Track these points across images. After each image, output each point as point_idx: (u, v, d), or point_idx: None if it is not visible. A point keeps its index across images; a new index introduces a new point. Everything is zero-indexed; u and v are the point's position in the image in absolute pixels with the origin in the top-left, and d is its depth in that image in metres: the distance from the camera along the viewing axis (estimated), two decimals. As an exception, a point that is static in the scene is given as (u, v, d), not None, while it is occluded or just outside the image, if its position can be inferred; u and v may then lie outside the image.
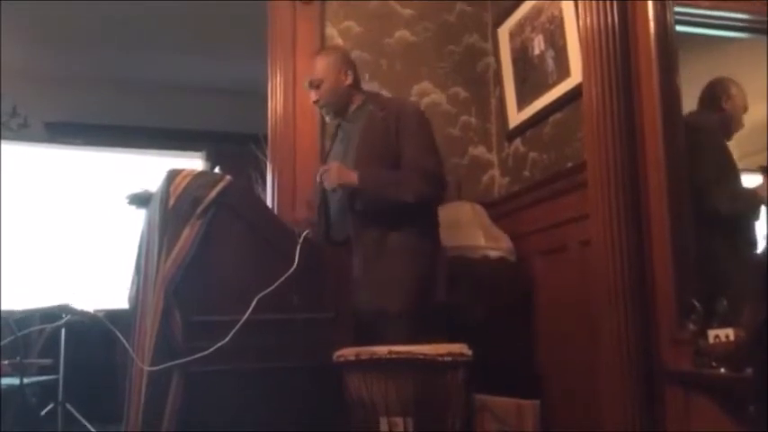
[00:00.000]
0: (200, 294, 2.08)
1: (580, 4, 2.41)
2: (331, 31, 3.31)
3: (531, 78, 3.06)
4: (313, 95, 2.64)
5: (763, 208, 2.25)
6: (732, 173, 2.30)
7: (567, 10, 2.75)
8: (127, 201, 2.52)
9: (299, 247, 2.17)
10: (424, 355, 1.95)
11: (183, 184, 2.12)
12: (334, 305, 2.27)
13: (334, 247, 2.53)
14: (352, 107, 2.64)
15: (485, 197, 3.32)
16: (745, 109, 2.33)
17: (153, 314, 2.03)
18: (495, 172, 3.43)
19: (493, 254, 2.89)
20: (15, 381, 3.02)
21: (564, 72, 2.79)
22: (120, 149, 5.17)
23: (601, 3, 2.30)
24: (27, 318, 3.62)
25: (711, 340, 1.83)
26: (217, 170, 2.44)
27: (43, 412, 3.57)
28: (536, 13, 3.00)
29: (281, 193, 3.14)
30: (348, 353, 2.02)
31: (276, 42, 3.29)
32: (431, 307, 2.41)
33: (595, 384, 2.33)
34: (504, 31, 3.30)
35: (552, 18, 2.87)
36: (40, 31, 4.99)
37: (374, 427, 1.98)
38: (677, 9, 2.23)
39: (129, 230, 2.93)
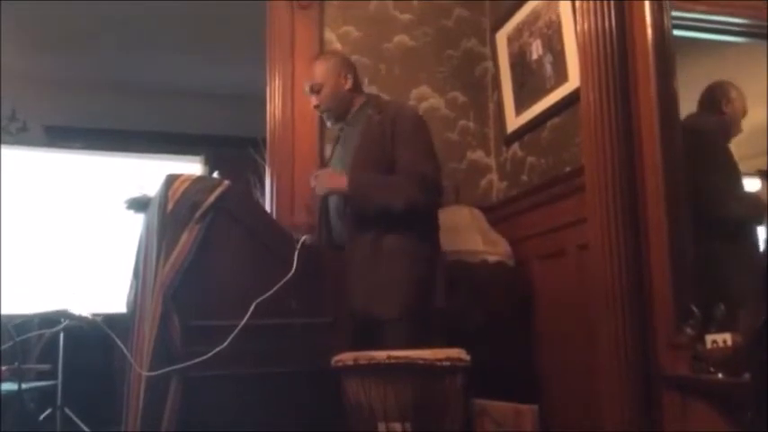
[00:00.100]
0: (198, 299, 2.08)
1: (578, 9, 2.42)
2: (330, 35, 3.32)
3: (529, 83, 3.06)
4: (313, 100, 2.63)
5: (765, 212, 2.26)
6: (735, 176, 2.30)
7: (565, 14, 2.76)
8: (125, 205, 2.52)
9: (297, 252, 2.17)
10: (423, 359, 1.95)
11: (182, 189, 2.13)
12: (333, 310, 2.27)
13: (335, 251, 2.52)
14: (353, 110, 2.63)
15: (483, 201, 3.32)
16: (745, 113, 2.33)
17: (151, 319, 2.03)
18: (494, 176, 3.43)
19: (491, 258, 2.89)
20: (14, 386, 3.02)
21: (562, 77, 2.79)
22: (118, 153, 5.17)
23: (598, 7, 2.30)
24: (25, 323, 3.62)
25: (709, 345, 1.83)
26: (215, 175, 2.44)
27: (41, 417, 3.56)
28: (534, 17, 3.01)
29: (279, 197, 3.14)
30: (346, 358, 2.02)
31: (275, 46, 3.29)
32: (429, 312, 2.39)
33: (594, 388, 2.33)
34: (502, 36, 3.31)
35: (550, 23, 2.88)
36: (40, 35, 5.00)
37: (372, 432, 1.98)
38: (674, 13, 2.23)
39: (127, 235, 2.93)
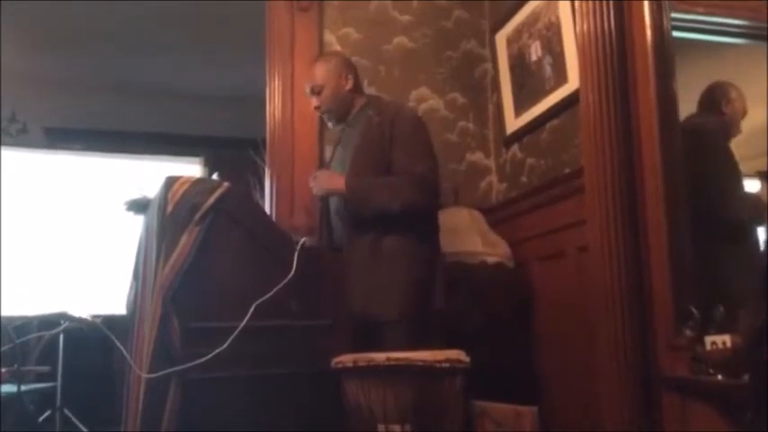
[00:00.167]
0: (198, 301, 2.08)
1: (577, 11, 2.42)
2: (329, 37, 3.32)
3: (529, 84, 3.06)
4: (314, 101, 2.63)
5: (765, 213, 2.26)
6: (735, 176, 2.30)
7: (564, 16, 2.76)
8: (125, 207, 2.52)
9: (296, 254, 2.17)
10: (422, 361, 1.95)
11: (181, 191, 2.13)
12: (333, 312, 2.27)
13: (336, 252, 2.52)
14: (354, 111, 2.62)
15: (482, 203, 3.32)
16: (744, 113, 2.34)
17: (151, 321, 2.03)
18: (493, 178, 3.44)
19: (490, 260, 2.89)
20: (14, 388, 3.02)
21: (561, 78, 2.79)
22: (118, 155, 5.18)
23: (598, 9, 2.31)
24: (25, 325, 3.62)
25: (708, 347, 1.83)
26: (215, 176, 2.44)
27: (41, 418, 3.57)
28: (533, 19, 3.01)
29: (279, 198, 3.14)
30: (346, 359, 2.02)
31: (274, 48, 3.29)
32: (429, 313, 2.39)
33: (594, 390, 2.33)
34: (501, 38, 3.31)
35: (549, 24, 2.88)
36: (39, 37, 5.00)
37: (372, 433, 1.98)
38: (674, 15, 2.23)
39: (127, 236, 2.93)
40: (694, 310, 1.92)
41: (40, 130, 5.58)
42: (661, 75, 2.19)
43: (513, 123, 3.22)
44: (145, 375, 1.99)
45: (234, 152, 4.35)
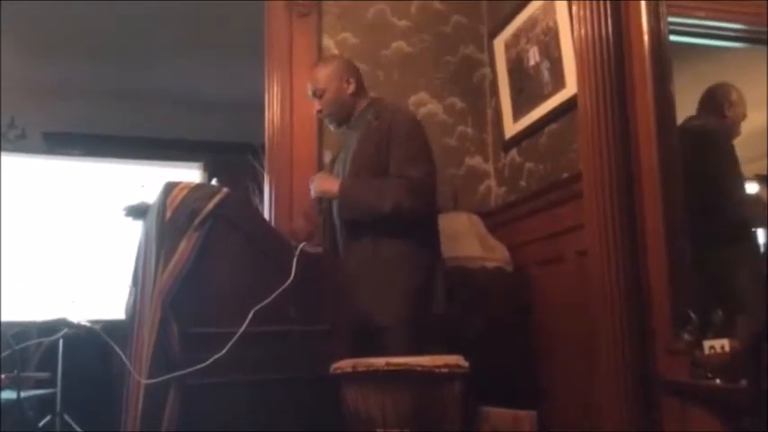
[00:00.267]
0: (197, 306, 2.09)
1: (574, 16, 2.43)
2: (328, 42, 3.33)
3: (527, 89, 3.07)
4: (316, 105, 2.62)
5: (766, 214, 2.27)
6: (738, 178, 2.31)
7: (562, 21, 2.77)
8: (124, 212, 2.53)
9: (295, 259, 2.17)
10: (421, 366, 1.95)
11: (180, 197, 2.13)
12: (331, 317, 2.27)
13: (338, 255, 2.52)
14: (355, 114, 2.61)
15: (481, 207, 3.33)
16: (744, 116, 2.34)
17: (150, 326, 2.03)
18: (492, 182, 3.44)
19: (490, 264, 2.89)
20: (13, 394, 3.02)
21: (559, 83, 2.80)
22: (117, 160, 5.17)
23: (595, 14, 2.32)
24: (24, 331, 3.61)
25: (707, 351, 1.83)
26: (214, 182, 2.45)
27: (41, 424, 3.56)
28: (531, 24, 3.02)
29: (278, 204, 3.14)
30: (345, 365, 2.02)
31: (273, 54, 3.30)
32: (428, 318, 2.38)
33: (594, 394, 2.33)
34: (499, 43, 3.32)
35: (547, 29, 2.89)
36: (38, 42, 5.00)
37: (371, 438, 1.98)
38: (672, 19, 2.24)
39: (127, 241, 2.93)
40: (692, 315, 1.92)
41: (39, 135, 5.58)
42: (658, 79, 2.19)
43: (511, 128, 3.23)
44: (144, 381, 1.99)
45: (233, 157, 4.35)
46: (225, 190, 2.19)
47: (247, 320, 2.05)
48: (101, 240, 4.46)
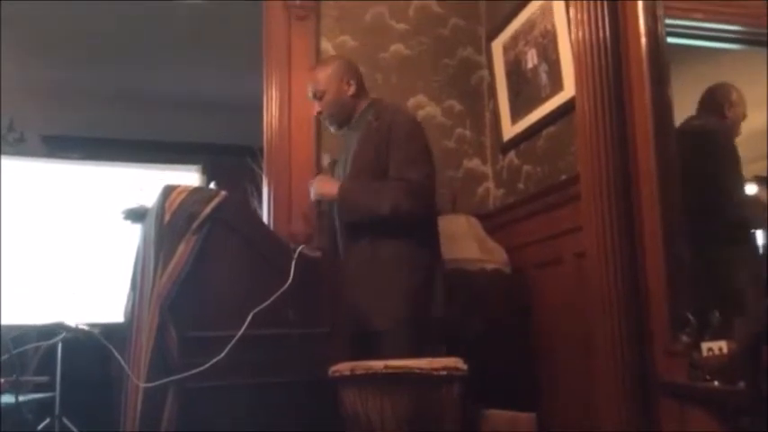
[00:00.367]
0: (195, 310, 2.08)
1: (572, 19, 2.43)
2: (326, 45, 3.34)
3: (525, 92, 3.08)
4: (316, 106, 2.61)
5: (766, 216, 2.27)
6: (739, 178, 2.31)
7: (560, 24, 2.77)
8: (123, 216, 2.53)
9: (294, 262, 2.17)
10: (420, 369, 1.95)
11: (179, 200, 2.13)
12: (330, 320, 2.27)
13: (338, 256, 2.52)
14: (356, 115, 2.60)
15: (480, 209, 3.33)
16: (744, 116, 2.35)
17: (148, 330, 2.03)
18: (490, 184, 3.44)
19: (488, 266, 2.89)
20: (12, 398, 3.02)
21: (557, 86, 2.80)
22: (116, 163, 5.18)
23: (593, 17, 2.32)
24: (23, 335, 3.62)
25: (705, 353, 1.84)
26: (212, 185, 2.45)
27: (40, 427, 3.56)
28: (529, 27, 3.02)
29: (276, 206, 3.15)
30: (343, 368, 2.02)
31: (271, 57, 3.30)
32: (428, 321, 2.37)
33: (593, 395, 2.34)
34: (497, 45, 3.32)
35: (545, 32, 2.89)
36: (37, 45, 5.00)
37: (370, 442, 1.98)
38: (670, 21, 2.24)
39: (125, 245, 2.93)
40: (690, 317, 1.92)
41: (38, 138, 5.58)
42: (656, 81, 2.20)
43: (509, 130, 3.23)
44: (142, 384, 1.99)
45: (232, 159, 4.36)
46: (223, 193, 2.19)
47: (246, 324, 2.05)
48: (99, 243, 4.46)
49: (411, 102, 3.38)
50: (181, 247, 2.08)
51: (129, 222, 2.53)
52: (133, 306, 2.38)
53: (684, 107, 2.33)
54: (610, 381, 2.17)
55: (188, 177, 5.03)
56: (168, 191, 2.15)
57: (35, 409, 3.68)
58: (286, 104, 3.24)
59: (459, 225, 3.03)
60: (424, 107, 3.40)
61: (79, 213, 4.68)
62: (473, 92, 3.51)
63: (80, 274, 4.47)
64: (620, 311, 2.17)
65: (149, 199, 2.36)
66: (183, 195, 2.14)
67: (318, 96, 2.59)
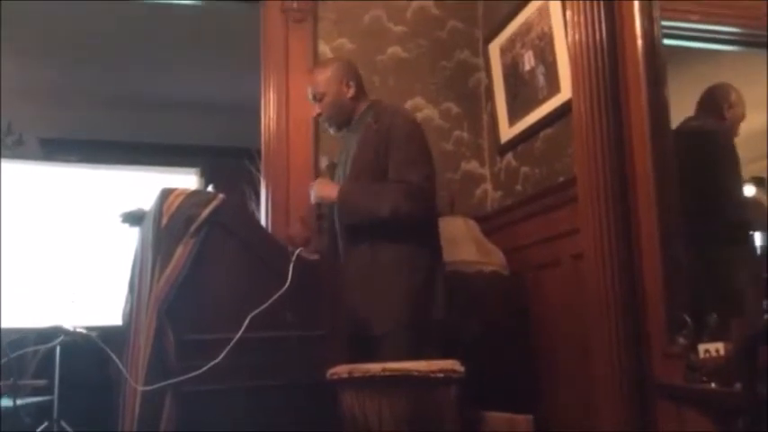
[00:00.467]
0: (193, 313, 2.08)
1: (569, 21, 2.44)
2: (324, 48, 3.34)
3: (522, 94, 3.08)
4: (316, 108, 2.61)
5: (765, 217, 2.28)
6: (738, 180, 2.32)
7: (557, 26, 2.78)
8: (121, 219, 2.53)
9: (291, 265, 2.17)
10: (418, 372, 1.96)
11: (176, 203, 2.13)
12: (328, 322, 2.27)
13: (338, 258, 2.52)
14: (356, 117, 2.60)
15: (478, 211, 3.33)
16: (743, 117, 2.35)
17: (146, 333, 2.03)
18: (488, 186, 3.45)
19: (486, 268, 2.89)
20: (10, 402, 3.02)
21: (554, 88, 2.81)
22: (114, 166, 5.17)
23: (589, 19, 2.33)
24: (21, 338, 3.62)
25: (702, 354, 1.84)
26: (210, 188, 2.45)
27: (38, 430, 3.56)
28: (526, 29, 3.03)
29: (274, 209, 3.15)
30: (341, 370, 2.02)
31: (269, 59, 3.31)
32: (428, 323, 2.36)
33: (591, 397, 2.34)
34: (494, 48, 3.33)
35: (542, 35, 2.90)
36: (35, 48, 5.01)
37: (368, 444, 1.98)
38: (667, 23, 2.25)
39: (124, 248, 2.93)
40: (687, 319, 1.93)
41: (36, 141, 5.58)
42: (652, 83, 2.21)
43: (507, 132, 3.24)
44: (140, 388, 1.99)
45: (230, 161, 4.35)
46: (221, 196, 2.19)
47: (244, 327, 2.05)
48: (98, 246, 4.46)
49: (408, 104, 3.38)
50: (179, 251, 2.08)
51: (127, 226, 2.53)
52: (131, 309, 2.38)
53: (684, 108, 2.34)
54: (607, 382, 2.18)
55: (186, 180, 5.02)
56: (166, 194, 2.15)
57: (33, 412, 3.68)
58: (284, 107, 3.24)
59: (456, 227, 3.03)
60: (422, 109, 3.41)
61: (77, 216, 4.68)
62: (470, 94, 3.51)
63: (78, 278, 4.46)
64: (617, 313, 2.17)
65: (147, 202, 2.36)
66: (180, 198, 2.14)
67: (318, 98, 2.59)
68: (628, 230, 2.20)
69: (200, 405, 2.03)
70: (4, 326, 3.70)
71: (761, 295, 1.92)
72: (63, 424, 3.59)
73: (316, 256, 2.41)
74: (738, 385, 1.64)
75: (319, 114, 2.62)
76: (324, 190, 2.52)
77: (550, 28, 2.83)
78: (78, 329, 3.27)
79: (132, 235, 2.57)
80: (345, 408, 2.01)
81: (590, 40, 2.31)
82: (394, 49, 3.43)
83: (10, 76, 5.09)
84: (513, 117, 3.18)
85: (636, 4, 2.23)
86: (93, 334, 2.61)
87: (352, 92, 2.58)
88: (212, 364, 1.99)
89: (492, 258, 2.95)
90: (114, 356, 2.26)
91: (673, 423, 2.01)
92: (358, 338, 2.32)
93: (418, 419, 1.94)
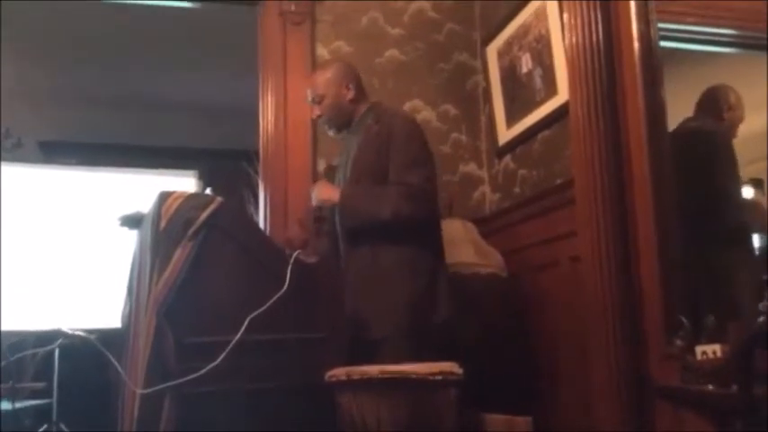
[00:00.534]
0: (192, 316, 2.08)
1: (566, 24, 2.45)
2: (322, 50, 3.35)
3: (520, 96, 3.09)
4: (315, 110, 2.61)
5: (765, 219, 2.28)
6: (737, 181, 2.32)
7: (554, 29, 2.79)
8: (119, 222, 2.53)
9: (290, 268, 2.17)
10: (416, 374, 1.96)
11: (175, 206, 2.13)
12: (327, 325, 2.28)
13: (340, 263, 2.53)
14: (356, 119, 2.59)
15: (476, 213, 3.34)
16: (742, 119, 2.36)
17: (145, 335, 2.04)
18: (486, 188, 3.46)
19: (484, 270, 2.89)
20: (9, 405, 3.02)
21: (551, 90, 2.82)
22: (112, 168, 5.18)
23: (586, 22, 2.33)
24: (21, 341, 3.62)
25: (699, 356, 1.85)
26: (208, 191, 2.45)
27: (37, 433, 3.57)
28: (523, 32, 3.03)
29: (272, 212, 3.15)
30: (339, 372, 2.03)
31: (267, 62, 3.32)
32: (428, 326, 2.36)
33: (589, 398, 2.34)
34: (492, 50, 3.34)
35: (539, 37, 2.91)
36: (33, 50, 5.01)
37: (367, 446, 1.98)
38: (665, 25, 2.26)
39: (123, 250, 2.93)
40: (684, 320, 1.93)
41: (35, 143, 5.58)
42: (649, 84, 2.21)
43: (505, 134, 3.24)
44: (139, 391, 2.00)
45: (229, 164, 4.36)
46: (219, 199, 2.19)
47: (242, 329, 2.05)
48: (97, 249, 4.46)
49: (407, 107, 3.39)
50: (177, 253, 2.08)
51: (125, 228, 2.53)
52: (130, 312, 2.39)
53: (680, 110, 2.35)
54: (605, 383, 2.18)
55: (185, 183, 5.02)
56: (164, 197, 2.16)
57: (33, 415, 3.68)
58: (282, 109, 3.25)
59: (455, 229, 3.03)
60: (420, 112, 3.41)
61: (76, 219, 4.68)
62: (468, 96, 3.52)
63: (77, 280, 4.46)
64: (615, 315, 2.18)
65: (146, 204, 2.36)
66: (178, 201, 2.14)
67: (317, 100, 2.59)
68: (625, 232, 2.21)
69: (198, 407, 2.03)
70: (3, 329, 3.70)
71: (758, 297, 1.92)
72: (62, 426, 3.60)
73: (314, 259, 2.41)
74: (735, 387, 1.64)
75: (319, 116, 2.62)
76: (325, 192, 2.52)
77: (547, 30, 2.84)
78: (77, 332, 3.28)
79: (131, 237, 2.57)
80: (344, 410, 2.01)
81: (587, 42, 2.32)
82: (392, 52, 3.44)
83: (9, 79, 5.09)
84: (511, 119, 3.18)
85: (632, 7, 2.24)
86: (92, 336, 2.61)
87: (351, 94, 2.58)
88: (211, 366, 1.99)
89: (490, 260, 2.95)
90: (113, 359, 2.26)
91: (670, 424, 2.02)
92: (358, 341, 2.31)
93: (417, 422, 1.94)
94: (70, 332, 3.33)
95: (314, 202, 2.56)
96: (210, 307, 2.12)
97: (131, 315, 2.35)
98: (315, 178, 3.08)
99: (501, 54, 3.27)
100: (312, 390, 2.13)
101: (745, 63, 2.46)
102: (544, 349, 2.82)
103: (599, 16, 2.31)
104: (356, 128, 2.59)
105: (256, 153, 3.34)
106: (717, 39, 2.40)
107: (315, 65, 3.22)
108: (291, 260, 2.19)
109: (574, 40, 2.38)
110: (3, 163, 4.68)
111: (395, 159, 2.41)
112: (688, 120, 2.39)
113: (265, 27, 3.34)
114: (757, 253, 2.33)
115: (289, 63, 3.29)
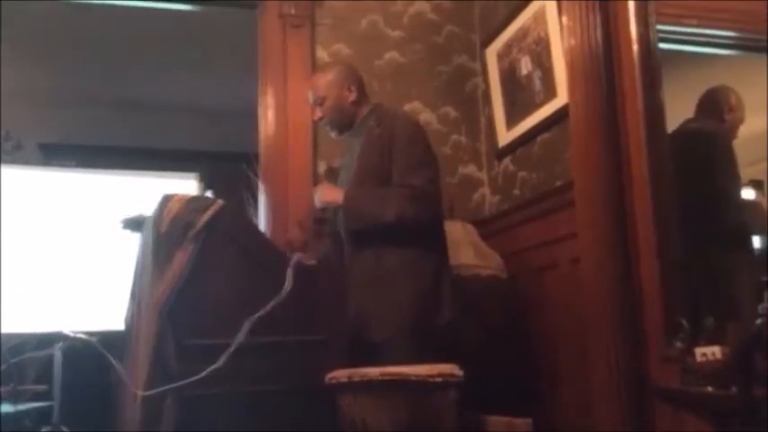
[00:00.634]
0: (193, 318, 2.09)
1: (565, 26, 2.45)
2: (321, 53, 3.35)
3: (520, 98, 3.09)
4: (317, 112, 2.61)
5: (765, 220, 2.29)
6: (737, 182, 2.33)
7: (553, 31, 2.79)
8: (121, 224, 2.53)
9: (290, 270, 2.18)
10: (416, 376, 1.97)
11: (176, 209, 2.14)
12: (328, 327, 2.28)
13: (344, 266, 2.52)
14: (358, 121, 2.59)
15: (476, 215, 3.35)
16: (743, 120, 2.36)
17: (146, 338, 2.05)
18: (486, 190, 3.46)
19: (483, 272, 2.90)
20: (11, 408, 3.02)
21: (551, 92, 2.82)
22: (113, 171, 5.18)
23: (585, 24, 2.34)
24: (22, 344, 3.62)
25: (699, 358, 1.85)
26: (209, 194, 2.46)
27: (38, 435, 3.56)
28: (522, 34, 3.04)
29: (273, 214, 3.16)
30: (340, 374, 2.03)
31: (267, 65, 3.32)
32: (432, 328, 2.35)
33: (589, 400, 2.35)
34: (491, 52, 3.34)
35: (539, 39, 2.91)
36: (33, 52, 5.02)
37: (367, 448, 1.99)
38: (664, 27, 2.26)
39: (125, 252, 2.94)
40: (684, 322, 1.94)
41: (35, 146, 5.58)
42: (648, 86, 2.22)
43: (504, 136, 3.25)
44: (141, 393, 2.00)
45: (230, 166, 4.34)
46: (219, 202, 2.20)
47: (243, 332, 2.06)
48: (98, 251, 4.46)
49: (406, 109, 3.39)
50: (178, 256, 2.09)
51: (128, 231, 2.54)
52: (132, 314, 2.39)
53: (680, 112, 2.35)
54: (605, 385, 2.19)
55: (185, 185, 5.02)
56: (166, 199, 2.17)
57: (34, 417, 3.68)
58: (282, 112, 3.25)
59: (454, 231, 3.03)
60: (420, 114, 3.42)
61: (77, 221, 4.68)
62: (468, 98, 3.53)
63: (78, 282, 4.47)
64: (614, 317, 2.18)
65: (147, 207, 2.37)
66: (179, 204, 2.15)
67: (319, 102, 2.59)
68: (625, 234, 2.21)
69: (200, 409, 2.04)
70: (4, 331, 3.70)
71: (757, 299, 1.93)
72: (63, 429, 3.60)
73: (313, 261, 2.42)
74: (734, 388, 1.65)
75: (321, 118, 2.62)
76: (329, 195, 2.52)
77: (546, 33, 2.85)
78: (79, 335, 3.28)
79: (132, 240, 2.58)
80: (344, 412, 2.02)
81: (586, 44, 2.33)
82: (391, 54, 3.44)
83: (9, 81, 5.10)
84: (511, 121, 3.19)
85: (631, 9, 2.24)
86: (94, 339, 2.61)
87: (353, 96, 2.58)
88: (212, 368, 2.00)
89: (490, 262, 2.96)
90: (114, 361, 2.27)
91: (670, 425, 2.02)
92: (362, 343, 2.31)
93: (417, 424, 1.94)
94: (72, 335, 3.33)
95: (317, 205, 2.56)
96: (211, 309, 2.13)
97: (133, 317, 2.36)
98: (315, 180, 3.09)
99: (500, 56, 3.27)
100: (312, 392, 2.13)
101: (744, 65, 2.46)
102: (544, 351, 2.83)
103: (598, 18, 2.32)
104: (358, 130, 2.59)
105: (256, 155, 3.34)
106: (716, 41, 2.40)
107: (315, 67, 3.23)
108: (292, 263, 2.20)
109: (573, 42, 2.38)
110: (3, 165, 4.68)
111: (398, 161, 2.41)
112: (689, 121, 2.40)
113: (265, 29, 3.35)
114: (757, 254, 2.33)
115: (289, 65, 3.29)
